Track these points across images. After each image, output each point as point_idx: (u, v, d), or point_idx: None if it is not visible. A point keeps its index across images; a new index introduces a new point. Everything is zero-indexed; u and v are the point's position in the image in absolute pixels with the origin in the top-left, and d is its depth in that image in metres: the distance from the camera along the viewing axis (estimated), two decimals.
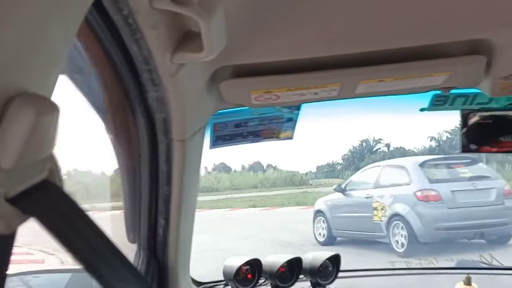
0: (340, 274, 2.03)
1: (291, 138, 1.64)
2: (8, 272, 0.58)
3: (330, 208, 9.65)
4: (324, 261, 2.01)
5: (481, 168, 9.24)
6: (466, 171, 8.89)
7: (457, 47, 1.18)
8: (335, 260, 2.04)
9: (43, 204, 0.58)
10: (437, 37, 1.14)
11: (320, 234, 9.48)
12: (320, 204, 9.96)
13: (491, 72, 1.27)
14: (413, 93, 1.44)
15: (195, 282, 1.99)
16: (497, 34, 1.13)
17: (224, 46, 0.99)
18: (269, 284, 1.98)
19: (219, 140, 1.54)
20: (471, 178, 8.70)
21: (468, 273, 1.94)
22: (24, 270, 2.24)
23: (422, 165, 8.91)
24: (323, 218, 9.62)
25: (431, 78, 1.29)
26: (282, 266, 1.96)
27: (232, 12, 0.94)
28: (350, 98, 1.41)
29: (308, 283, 2.02)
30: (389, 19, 1.09)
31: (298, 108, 1.54)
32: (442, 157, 10.53)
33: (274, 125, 1.58)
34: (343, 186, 9.98)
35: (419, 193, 8.41)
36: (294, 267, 1.99)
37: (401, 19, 1.09)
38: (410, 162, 9.33)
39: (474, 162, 9.10)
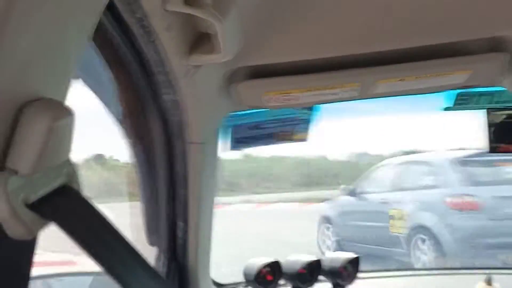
0: (359, 275, 2.02)
1: (305, 140, 1.63)
2: (31, 275, 0.59)
3: (339, 215, 7.94)
4: (345, 262, 2.00)
5: None
6: None
7: (478, 45, 1.16)
8: (354, 261, 2.03)
9: (63, 209, 0.58)
10: (458, 35, 1.12)
11: (326, 245, 7.84)
12: (326, 209, 8.32)
13: None
14: (435, 92, 1.42)
15: (216, 283, 2.00)
16: None
17: (239, 48, 0.98)
18: (290, 285, 1.97)
19: (237, 142, 1.54)
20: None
21: (489, 273, 1.91)
22: (46, 273, 2.27)
23: (455, 162, 6.81)
24: (330, 226, 8.00)
25: (453, 76, 1.27)
26: (302, 268, 1.96)
27: (246, 13, 0.93)
28: (371, 98, 1.40)
29: (328, 284, 2.01)
30: (407, 18, 1.07)
31: (314, 109, 1.54)
32: (483, 153, 7.34)
33: (289, 127, 1.57)
34: (353, 187, 8.08)
35: (450, 199, 6.47)
36: (314, 268, 1.99)
37: (419, 17, 1.07)
38: (440, 158, 7.16)
39: None
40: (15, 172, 0.52)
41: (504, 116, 1.62)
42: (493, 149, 1.65)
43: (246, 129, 1.54)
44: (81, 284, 2.34)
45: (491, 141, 1.65)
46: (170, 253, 1.46)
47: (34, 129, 0.52)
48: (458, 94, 1.58)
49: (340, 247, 7.46)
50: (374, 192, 7.63)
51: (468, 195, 6.43)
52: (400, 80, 1.26)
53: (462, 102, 1.60)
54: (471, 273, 2.22)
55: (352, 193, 8.00)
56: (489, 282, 1.87)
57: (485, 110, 1.63)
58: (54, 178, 0.58)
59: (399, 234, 6.85)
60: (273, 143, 1.59)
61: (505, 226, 6.08)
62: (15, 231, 0.53)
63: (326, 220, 8.14)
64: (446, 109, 1.66)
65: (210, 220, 1.56)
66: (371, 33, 1.10)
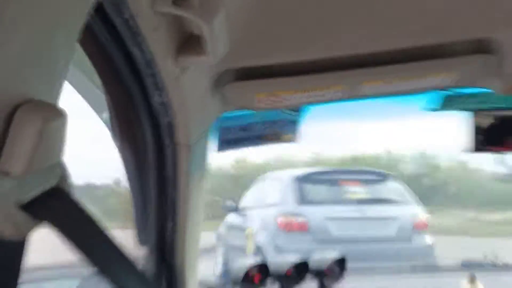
0: (345, 276, 2.04)
1: (294, 141, 1.63)
2: (21, 277, 0.59)
3: (225, 234, 7.14)
4: (331, 263, 2.01)
5: (387, 188, 6.68)
6: (358, 191, 6.53)
7: (464, 46, 1.17)
8: (341, 261, 2.05)
9: (54, 210, 0.59)
10: (444, 36, 1.13)
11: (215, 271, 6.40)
12: (220, 229, 7.52)
13: (502, 71, 1.26)
14: (420, 93, 1.43)
15: (204, 285, 2.00)
16: (505, 32, 1.12)
17: (227, 49, 0.99)
18: (277, 286, 1.98)
19: (225, 143, 1.55)
20: (360, 202, 6.36)
21: (472, 272, 1.93)
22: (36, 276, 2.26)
23: (299, 179, 6.50)
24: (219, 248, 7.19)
25: (438, 78, 1.28)
26: (289, 269, 1.97)
27: (235, 15, 0.94)
28: (356, 99, 1.41)
29: (315, 286, 2.02)
30: (394, 19, 1.08)
31: (303, 110, 1.55)
32: (333, 170, 7.53)
33: (279, 128, 1.58)
34: (235, 204, 7.23)
35: (281, 219, 6.11)
36: (301, 269, 2.00)
37: (406, 19, 1.08)
38: (288, 175, 6.89)
39: (382, 179, 6.74)
40: (7, 174, 0.52)
41: (491, 118, 1.63)
42: (478, 150, 1.67)
43: (233, 131, 1.54)
44: (70, 286, 2.33)
45: (476, 142, 1.67)
46: (159, 253, 1.46)
47: (26, 131, 0.53)
48: (445, 96, 1.59)
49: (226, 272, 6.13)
50: (251, 208, 7.00)
51: (298, 215, 6.12)
52: (386, 81, 1.27)
53: (448, 104, 1.62)
54: (455, 272, 2.25)
55: (234, 209, 7.31)
56: (472, 281, 1.89)
57: (471, 111, 1.65)
58: (46, 179, 0.58)
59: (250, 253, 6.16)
60: (261, 144, 1.60)
61: (336, 250, 5.30)
62: (6, 232, 0.53)
63: (219, 241, 7.41)
64: (432, 110, 1.67)
65: (199, 221, 1.56)
66: (358, 35, 1.11)
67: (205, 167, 1.49)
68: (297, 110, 1.54)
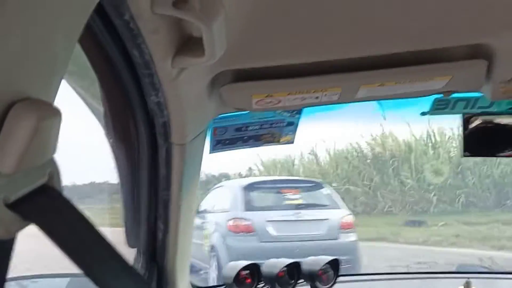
0: (339, 279, 2.03)
1: (292, 142, 1.63)
2: (7, 277, 0.58)
3: None
4: (324, 265, 2.00)
5: (320, 195, 7.97)
6: (296, 197, 7.66)
7: (458, 52, 1.18)
8: (334, 264, 2.04)
9: (43, 209, 0.58)
10: (438, 42, 1.14)
11: None
12: None
13: (493, 76, 1.27)
14: (414, 97, 1.44)
15: (194, 286, 1.99)
16: (497, 38, 1.13)
17: (224, 50, 0.98)
18: None
19: (219, 144, 1.54)
20: (298, 206, 7.51)
21: (468, 277, 1.94)
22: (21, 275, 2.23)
23: (246, 188, 7.68)
24: None
25: (432, 82, 1.29)
26: (281, 271, 1.96)
27: (233, 16, 0.93)
28: (351, 102, 1.41)
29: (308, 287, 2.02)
30: (390, 24, 1.09)
31: (299, 112, 1.54)
32: (275, 180, 8.91)
33: (275, 129, 1.58)
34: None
35: (231, 222, 7.23)
36: (293, 271, 1.99)
37: (402, 23, 1.09)
38: (236, 184, 8.23)
39: (316, 187, 8.08)
40: None
41: (480, 122, 1.65)
42: (466, 153, 1.69)
43: (228, 131, 1.54)
44: (56, 286, 2.31)
45: (465, 145, 1.68)
46: (149, 254, 1.45)
47: (19, 129, 0.52)
48: (435, 100, 1.60)
49: None
50: (208, 212, 7.88)
51: (244, 219, 7.22)
52: (381, 85, 1.27)
53: (439, 108, 1.62)
54: (451, 277, 2.25)
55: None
56: (468, 286, 1.89)
57: (461, 115, 1.66)
58: (36, 178, 0.57)
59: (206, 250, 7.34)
60: (256, 145, 1.59)
61: (276, 248, 6.41)
62: None
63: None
64: (423, 114, 1.68)
65: (191, 222, 1.55)
66: (354, 39, 1.11)
67: (199, 168, 1.48)
68: (296, 111, 1.54)
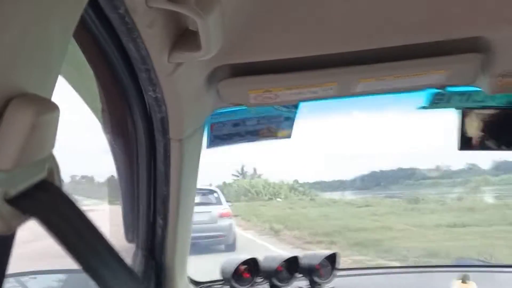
0: (337, 273, 2.04)
1: (289, 137, 1.63)
2: (7, 272, 0.58)
3: None
4: (322, 260, 2.01)
5: (212, 197, 11.35)
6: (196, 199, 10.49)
7: (454, 45, 1.18)
8: (332, 259, 2.05)
9: (42, 204, 0.58)
10: (434, 36, 1.14)
11: None
12: None
13: (489, 70, 1.27)
14: (411, 91, 1.44)
15: (193, 281, 1.99)
16: (493, 32, 1.13)
17: (221, 45, 0.98)
18: (267, 283, 1.98)
19: (216, 139, 1.54)
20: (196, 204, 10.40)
21: (465, 271, 1.95)
22: (20, 271, 2.23)
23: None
24: None
25: (430, 76, 1.29)
26: (280, 265, 1.97)
27: (229, 11, 0.93)
28: (348, 96, 1.41)
29: (306, 282, 2.02)
30: (386, 18, 1.09)
31: (296, 107, 1.54)
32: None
33: (272, 124, 1.58)
34: None
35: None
36: (291, 266, 2.00)
37: (398, 17, 1.09)
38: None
39: (210, 192, 11.52)
40: None
41: (478, 116, 1.65)
42: (462, 147, 1.69)
43: (226, 126, 1.53)
44: (55, 281, 2.31)
45: (461, 140, 1.68)
46: (148, 250, 1.45)
47: (17, 124, 0.52)
48: (434, 94, 1.60)
49: None
50: None
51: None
52: (378, 79, 1.28)
53: (437, 102, 1.62)
54: (448, 271, 2.26)
55: None
56: (465, 280, 1.90)
57: (460, 109, 1.66)
58: (35, 173, 0.57)
59: None
60: (254, 140, 1.59)
61: None
62: None
63: None
64: (422, 108, 1.68)
65: (189, 218, 1.55)
66: (351, 33, 1.11)
67: (198, 163, 1.48)
68: (293, 106, 1.54)
